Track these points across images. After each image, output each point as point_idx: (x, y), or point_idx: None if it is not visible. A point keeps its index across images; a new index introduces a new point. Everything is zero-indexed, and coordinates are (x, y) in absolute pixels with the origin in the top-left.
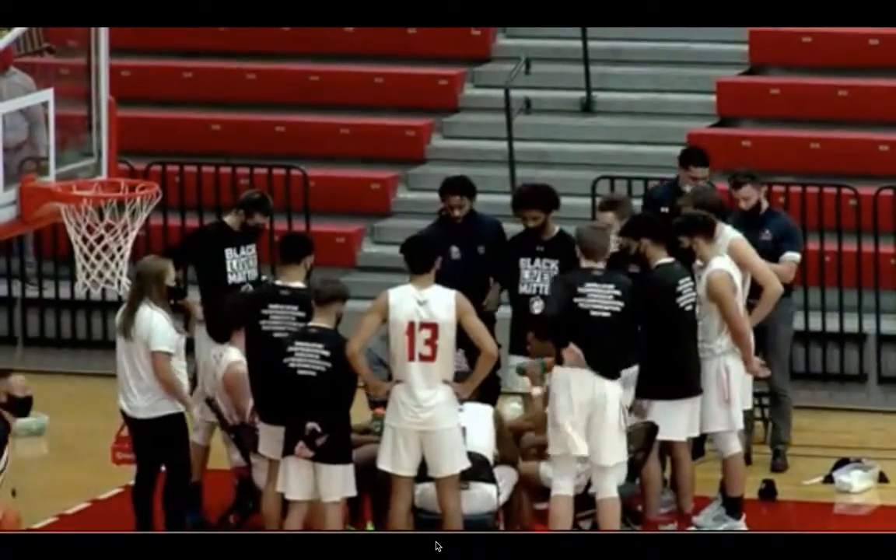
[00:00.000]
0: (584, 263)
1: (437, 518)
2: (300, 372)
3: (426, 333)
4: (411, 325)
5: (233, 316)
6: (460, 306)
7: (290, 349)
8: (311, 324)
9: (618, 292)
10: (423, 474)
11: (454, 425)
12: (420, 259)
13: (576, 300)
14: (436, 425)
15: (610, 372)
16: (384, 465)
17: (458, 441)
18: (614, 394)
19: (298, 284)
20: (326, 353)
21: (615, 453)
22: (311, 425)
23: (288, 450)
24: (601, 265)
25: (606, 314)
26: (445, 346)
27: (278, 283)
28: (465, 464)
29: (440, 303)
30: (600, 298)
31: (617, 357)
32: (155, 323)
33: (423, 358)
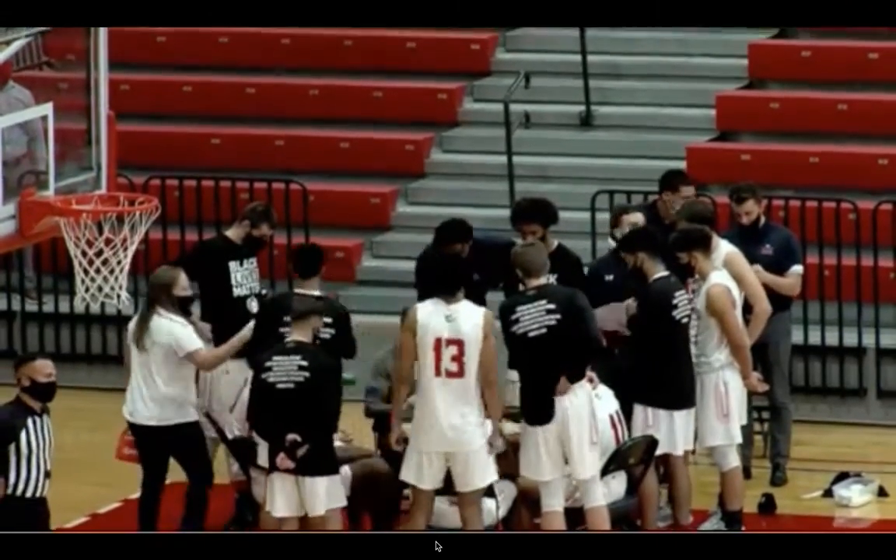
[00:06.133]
0: (526, 283)
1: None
2: (279, 386)
3: (453, 349)
4: (438, 340)
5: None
6: (487, 325)
7: (268, 364)
8: (287, 339)
9: (551, 306)
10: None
11: (482, 445)
12: (448, 281)
13: (513, 330)
14: (464, 447)
15: (552, 401)
16: (409, 478)
17: (485, 458)
18: (579, 407)
19: (317, 293)
20: (304, 363)
21: (587, 466)
22: (291, 436)
23: (272, 466)
24: (542, 281)
25: (543, 331)
26: (472, 362)
27: (298, 291)
28: (493, 477)
29: (468, 319)
30: (533, 318)
31: (567, 368)
32: (176, 330)
33: (449, 374)
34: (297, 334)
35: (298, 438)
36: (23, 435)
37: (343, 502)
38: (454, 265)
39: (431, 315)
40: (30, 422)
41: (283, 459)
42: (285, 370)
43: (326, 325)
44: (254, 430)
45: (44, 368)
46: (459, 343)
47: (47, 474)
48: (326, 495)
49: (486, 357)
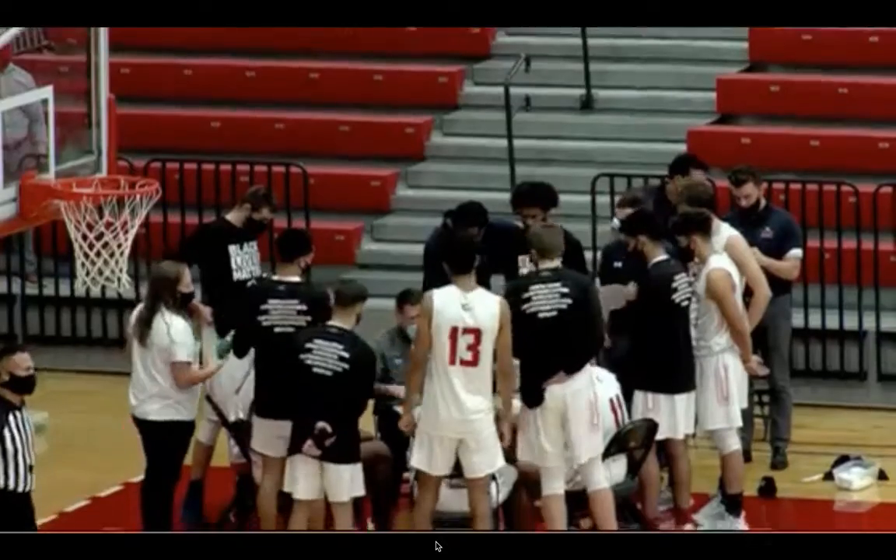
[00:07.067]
0: (540, 264)
1: (446, 518)
2: (315, 370)
3: (469, 338)
4: (454, 329)
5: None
6: (503, 314)
7: (308, 346)
8: (330, 323)
9: (565, 290)
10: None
11: (493, 431)
12: (462, 260)
13: (523, 307)
14: (475, 434)
15: (564, 370)
16: (420, 464)
17: (494, 444)
18: (578, 391)
19: (295, 279)
20: (346, 354)
21: (586, 450)
22: (321, 425)
23: (295, 448)
24: (556, 264)
25: (554, 314)
26: (487, 351)
27: (274, 278)
28: (500, 463)
29: (485, 308)
30: (547, 299)
31: (570, 355)
32: (174, 333)
33: (464, 362)
34: (341, 320)
35: (328, 428)
36: (6, 432)
37: (362, 491)
38: (469, 244)
39: (447, 303)
40: (11, 418)
41: (310, 447)
42: (324, 356)
43: (302, 312)
44: (261, 409)
45: (23, 362)
46: (476, 332)
47: (30, 468)
48: (349, 484)
49: (503, 346)
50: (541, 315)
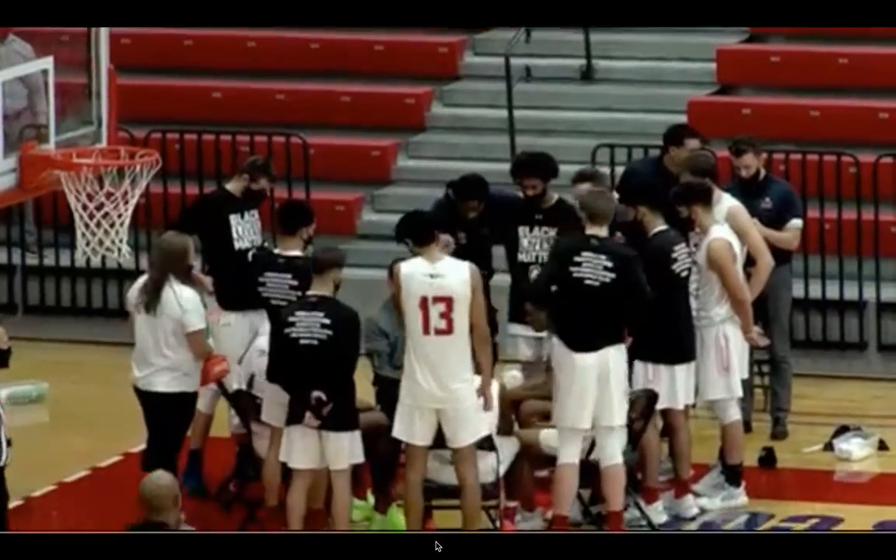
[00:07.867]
0: (589, 230)
1: (438, 487)
2: (302, 341)
3: (441, 307)
4: (423, 299)
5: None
6: (474, 278)
7: (291, 319)
8: (309, 292)
9: (609, 264)
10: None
11: (473, 401)
12: (418, 233)
13: (571, 269)
14: (454, 404)
15: (597, 342)
16: (400, 435)
17: (475, 414)
18: (617, 358)
19: (295, 253)
20: (327, 321)
21: (619, 416)
22: (316, 394)
23: (292, 419)
24: (604, 232)
25: (597, 284)
26: (462, 319)
27: (276, 251)
28: (484, 432)
29: (454, 275)
30: (594, 267)
31: (606, 327)
32: (186, 302)
33: (439, 332)
34: (319, 288)
35: (324, 397)
36: None
37: (361, 458)
38: (421, 217)
39: (413, 275)
40: None
41: (310, 419)
42: (308, 326)
43: (293, 287)
44: (275, 382)
45: (5, 335)
46: (448, 300)
47: (9, 442)
48: (349, 451)
49: (476, 313)
50: (586, 282)
